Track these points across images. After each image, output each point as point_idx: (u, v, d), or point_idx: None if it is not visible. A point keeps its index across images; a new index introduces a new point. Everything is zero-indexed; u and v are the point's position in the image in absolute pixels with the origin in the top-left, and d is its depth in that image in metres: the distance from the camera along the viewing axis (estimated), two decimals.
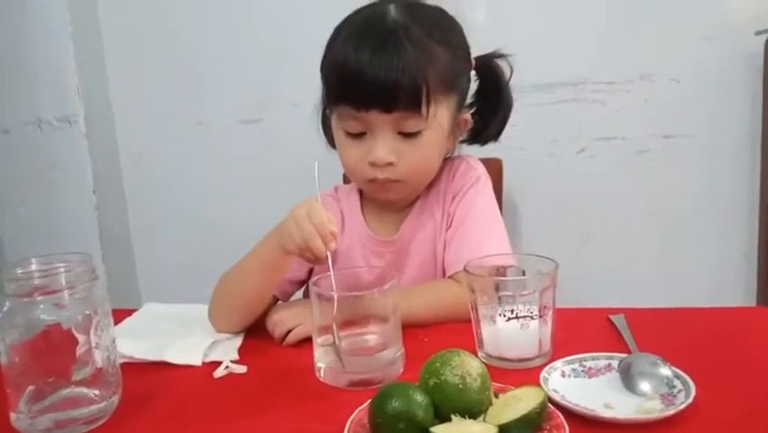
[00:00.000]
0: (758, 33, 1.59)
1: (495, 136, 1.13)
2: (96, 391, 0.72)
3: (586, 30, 1.68)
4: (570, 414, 0.65)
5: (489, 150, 1.17)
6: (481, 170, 1.12)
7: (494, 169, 1.42)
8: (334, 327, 0.78)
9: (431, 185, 1.10)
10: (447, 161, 1.11)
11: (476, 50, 1.07)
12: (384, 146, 0.97)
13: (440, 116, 0.99)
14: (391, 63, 0.92)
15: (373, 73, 0.92)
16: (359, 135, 0.99)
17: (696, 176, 1.71)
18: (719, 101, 1.67)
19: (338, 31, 1.01)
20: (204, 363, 0.87)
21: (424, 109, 0.95)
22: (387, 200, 1.08)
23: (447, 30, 1.02)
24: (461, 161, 1.13)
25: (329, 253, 0.86)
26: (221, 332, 0.96)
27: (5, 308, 0.69)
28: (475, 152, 1.16)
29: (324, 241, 0.86)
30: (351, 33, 0.97)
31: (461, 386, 0.64)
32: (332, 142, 1.09)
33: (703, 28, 1.64)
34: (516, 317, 0.79)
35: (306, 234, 0.86)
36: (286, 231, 0.88)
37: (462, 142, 1.14)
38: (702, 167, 1.71)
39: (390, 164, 0.98)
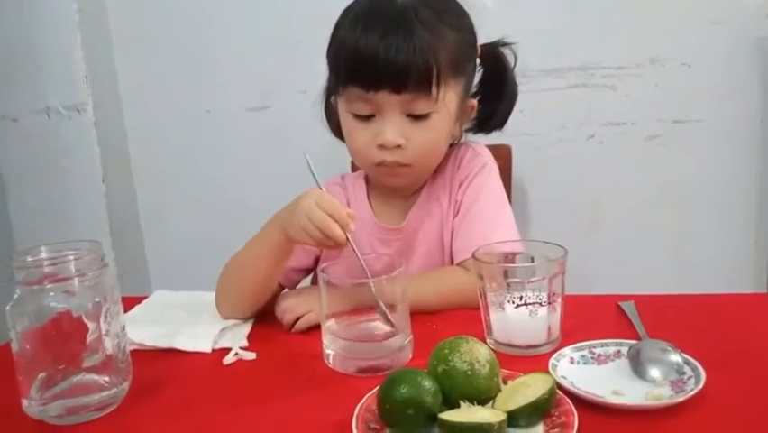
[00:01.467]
0: None
1: (499, 125, 1.13)
2: (107, 378, 0.72)
3: (596, 13, 1.66)
4: (579, 401, 0.64)
5: (498, 136, 1.17)
6: (488, 155, 1.12)
7: (503, 155, 1.42)
8: (380, 304, 0.80)
9: (437, 172, 1.10)
10: (453, 147, 1.11)
11: (484, 35, 1.06)
12: (393, 128, 0.97)
13: (448, 99, 0.99)
14: (402, 44, 0.92)
15: (384, 53, 0.92)
16: (367, 118, 0.99)
17: (706, 161, 1.70)
18: (731, 85, 1.65)
19: (345, 14, 1.00)
20: (213, 349, 0.88)
21: (434, 90, 0.95)
22: (394, 186, 1.08)
23: (456, 13, 1.02)
24: (466, 147, 1.12)
25: (349, 236, 0.86)
26: (227, 319, 0.97)
27: (16, 296, 0.70)
28: (483, 138, 1.16)
29: (342, 225, 0.85)
30: (359, 16, 0.97)
31: (469, 373, 0.64)
32: (335, 131, 1.09)
33: (714, 11, 1.62)
34: (525, 304, 0.79)
35: (322, 224, 0.85)
36: (300, 226, 0.87)
37: (468, 130, 1.13)
38: (713, 152, 1.69)
39: (399, 146, 0.98)
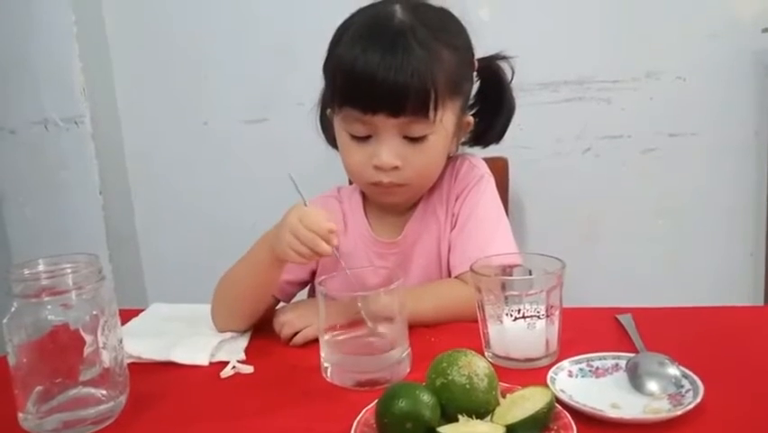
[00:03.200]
0: (765, 31, 1.58)
1: (497, 138, 1.13)
2: (104, 392, 0.72)
3: (591, 27, 1.68)
4: (577, 414, 0.64)
5: (495, 149, 1.17)
6: (484, 168, 1.12)
7: (499, 168, 1.42)
8: (363, 315, 0.80)
9: (434, 185, 1.09)
10: (449, 160, 1.10)
11: (480, 49, 1.07)
12: (389, 150, 0.97)
13: (446, 120, 0.98)
14: (401, 66, 0.91)
15: (383, 76, 0.91)
16: (363, 139, 0.99)
17: (702, 174, 1.70)
18: (726, 99, 1.66)
19: (342, 31, 1.00)
20: (211, 363, 0.88)
21: (431, 114, 0.94)
22: (389, 204, 1.08)
23: (453, 32, 1.01)
24: (463, 160, 1.12)
25: (335, 249, 0.86)
26: (223, 332, 0.97)
27: (13, 309, 0.70)
28: (479, 151, 1.16)
29: (326, 240, 0.86)
30: (357, 34, 0.96)
31: (468, 386, 0.64)
32: (331, 141, 1.09)
33: (709, 25, 1.63)
34: (523, 317, 0.79)
35: (307, 240, 0.86)
36: (285, 243, 0.88)
37: (464, 143, 1.13)
38: (708, 165, 1.70)
39: (395, 168, 0.98)
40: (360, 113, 0.95)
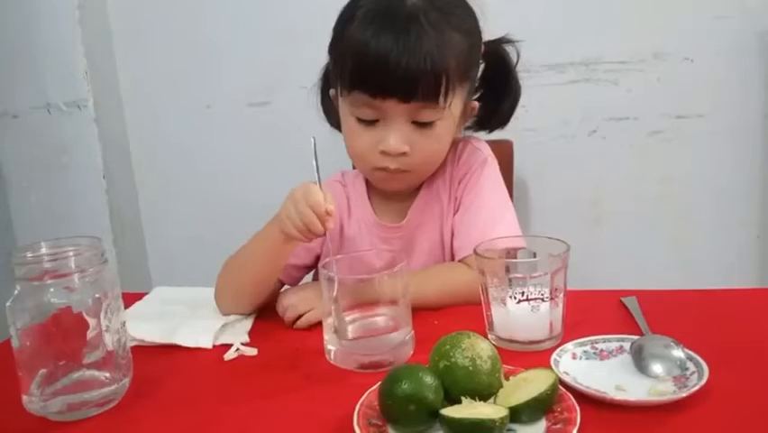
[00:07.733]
0: None
1: (502, 124, 1.11)
2: (107, 374, 0.72)
3: (598, 8, 1.66)
4: (581, 396, 0.64)
5: (500, 132, 1.15)
6: (487, 151, 1.11)
7: (505, 150, 1.41)
8: (333, 307, 0.79)
9: (436, 169, 1.08)
10: (452, 143, 1.09)
11: (484, 30, 1.05)
12: (398, 136, 0.96)
13: (454, 106, 0.97)
14: (414, 50, 0.89)
15: (396, 60, 0.89)
16: (371, 122, 0.97)
17: (709, 156, 1.69)
18: (733, 80, 1.64)
19: (350, 12, 0.97)
20: (214, 345, 0.88)
21: (441, 99, 0.93)
22: (391, 189, 1.07)
23: (463, 16, 0.99)
24: (465, 142, 1.11)
25: (327, 233, 0.86)
26: (226, 315, 0.97)
27: (16, 292, 0.70)
28: (485, 134, 1.15)
29: (321, 220, 0.85)
30: (368, 17, 0.94)
31: (471, 368, 0.64)
32: (334, 123, 1.08)
33: (717, 6, 1.61)
34: (527, 300, 0.78)
35: (304, 216, 0.85)
36: (285, 215, 0.88)
37: (468, 128, 1.12)
38: (715, 147, 1.68)
39: (403, 154, 0.97)
40: (369, 97, 0.94)
